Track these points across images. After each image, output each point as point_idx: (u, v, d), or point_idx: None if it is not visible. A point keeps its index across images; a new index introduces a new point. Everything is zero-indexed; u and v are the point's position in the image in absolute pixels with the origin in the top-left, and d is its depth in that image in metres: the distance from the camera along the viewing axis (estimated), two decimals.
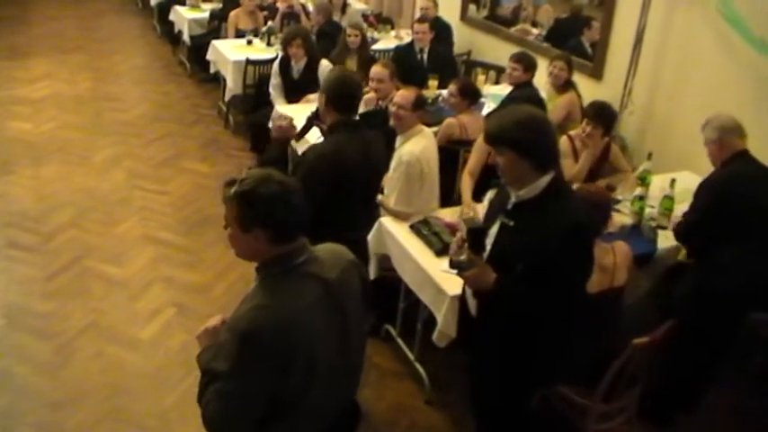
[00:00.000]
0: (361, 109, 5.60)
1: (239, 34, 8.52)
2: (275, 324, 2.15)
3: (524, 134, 2.79)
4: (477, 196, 4.57)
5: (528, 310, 2.92)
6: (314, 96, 6.39)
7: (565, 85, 5.96)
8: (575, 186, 4.28)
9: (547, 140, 2.84)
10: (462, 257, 2.99)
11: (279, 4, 9.14)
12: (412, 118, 4.47)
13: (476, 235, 2.94)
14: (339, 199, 3.68)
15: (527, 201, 2.88)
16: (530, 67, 5.97)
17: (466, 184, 4.93)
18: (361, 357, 2.62)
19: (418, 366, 4.45)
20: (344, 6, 9.48)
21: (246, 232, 2.25)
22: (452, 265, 3.07)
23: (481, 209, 4.27)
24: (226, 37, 8.72)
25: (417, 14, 8.47)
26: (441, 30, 7.89)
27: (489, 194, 4.23)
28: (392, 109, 4.53)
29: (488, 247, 2.99)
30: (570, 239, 2.79)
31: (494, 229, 2.99)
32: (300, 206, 2.27)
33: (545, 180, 2.84)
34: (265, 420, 2.25)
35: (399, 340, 4.67)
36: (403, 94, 4.51)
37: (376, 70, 5.57)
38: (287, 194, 2.24)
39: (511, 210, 2.94)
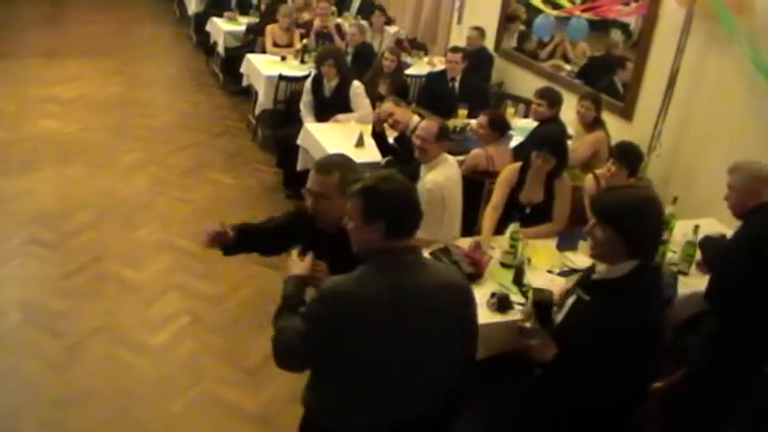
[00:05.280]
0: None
1: None
2: (341, 297, 2.41)
3: (633, 218, 2.79)
4: (499, 229, 4.55)
5: (579, 393, 2.86)
6: (343, 117, 6.43)
7: (593, 124, 5.91)
8: None
9: (650, 229, 2.85)
10: (528, 325, 3.02)
11: (315, 22, 9.20)
12: (435, 149, 4.48)
13: (543, 309, 2.97)
14: None
15: (607, 280, 2.87)
16: (554, 102, 5.95)
17: (488, 218, 4.78)
18: (441, 382, 2.60)
19: None
20: (389, 24, 9.49)
21: (368, 225, 2.48)
22: (520, 330, 3.08)
23: (503, 242, 4.29)
24: (261, 51, 8.79)
25: (451, 42, 8.50)
26: (482, 60, 7.90)
27: (512, 227, 4.24)
28: (416, 142, 4.52)
29: (561, 317, 3.00)
30: (638, 335, 2.76)
31: (569, 301, 3.01)
32: (416, 204, 2.57)
33: (631, 264, 2.81)
34: (316, 378, 2.59)
35: None
36: (425, 126, 4.51)
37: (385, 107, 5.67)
38: (405, 191, 2.54)
39: (590, 285, 2.94)
